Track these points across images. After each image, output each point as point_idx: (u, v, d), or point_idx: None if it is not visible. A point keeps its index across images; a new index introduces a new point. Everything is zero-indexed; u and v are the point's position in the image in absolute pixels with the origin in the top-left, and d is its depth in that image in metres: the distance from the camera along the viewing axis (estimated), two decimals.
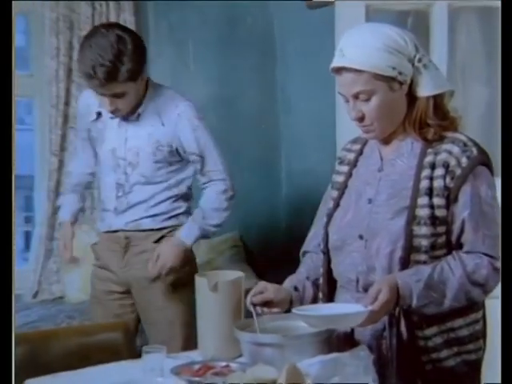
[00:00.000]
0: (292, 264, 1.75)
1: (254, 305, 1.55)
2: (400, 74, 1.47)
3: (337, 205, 1.61)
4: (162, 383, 1.40)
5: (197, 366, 1.52)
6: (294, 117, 3.86)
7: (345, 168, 1.65)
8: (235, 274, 1.81)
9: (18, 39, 4.72)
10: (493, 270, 1.45)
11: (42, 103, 3.36)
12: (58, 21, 3.26)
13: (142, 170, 2.23)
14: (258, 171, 3.91)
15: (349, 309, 1.43)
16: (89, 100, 2.29)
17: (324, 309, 1.49)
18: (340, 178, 1.64)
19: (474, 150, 1.49)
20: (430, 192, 1.48)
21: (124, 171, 2.24)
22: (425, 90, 1.50)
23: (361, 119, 1.50)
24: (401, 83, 1.48)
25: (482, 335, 1.55)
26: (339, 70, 1.49)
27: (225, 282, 1.71)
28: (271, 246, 3.87)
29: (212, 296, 1.70)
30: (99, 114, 2.27)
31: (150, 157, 2.22)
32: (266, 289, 1.57)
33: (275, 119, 3.92)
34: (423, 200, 1.48)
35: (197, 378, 1.43)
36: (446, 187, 1.47)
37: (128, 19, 3.43)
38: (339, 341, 1.53)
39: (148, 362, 1.48)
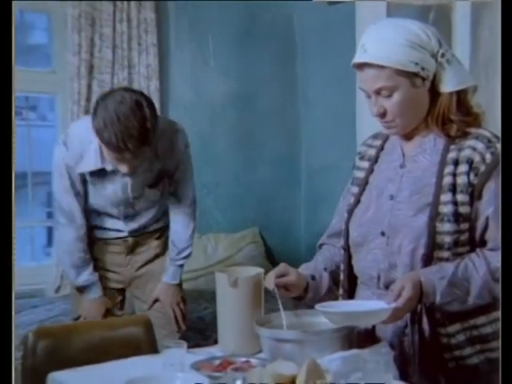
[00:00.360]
0: (311, 259, 1.75)
1: (278, 287, 1.54)
2: (423, 69, 1.46)
3: (358, 201, 1.60)
4: (182, 378, 1.40)
5: (217, 362, 1.52)
6: (314, 112, 3.85)
7: (365, 164, 1.64)
8: (255, 270, 1.81)
9: (40, 36, 4.78)
10: None
11: (63, 99, 3.39)
12: (79, 18, 3.29)
13: (147, 198, 2.36)
14: (278, 166, 3.91)
15: (372, 306, 1.43)
16: (79, 153, 2.24)
17: (346, 305, 1.48)
18: (361, 174, 1.63)
19: (499, 147, 1.46)
20: (453, 188, 1.46)
21: (130, 205, 2.35)
22: (448, 86, 1.48)
23: (382, 115, 1.49)
24: (423, 79, 1.47)
25: None
26: (361, 66, 1.47)
27: (245, 278, 1.72)
28: (290, 242, 3.87)
29: (232, 292, 1.70)
30: (101, 170, 2.27)
31: (153, 188, 2.35)
32: (288, 272, 1.57)
33: (295, 114, 3.92)
34: (446, 197, 1.46)
35: (217, 374, 1.44)
36: (470, 183, 1.46)
37: (149, 16, 3.45)
38: (360, 337, 1.53)
39: (168, 357, 1.48)
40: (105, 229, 2.40)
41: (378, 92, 1.47)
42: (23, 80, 3.15)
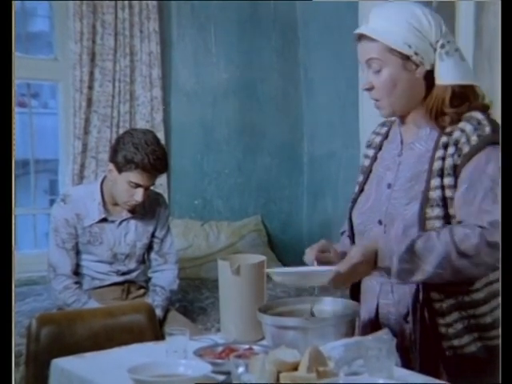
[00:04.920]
0: None
1: (317, 261, 1.52)
2: (416, 54, 1.46)
3: (361, 189, 1.61)
4: (185, 365, 1.41)
5: (220, 349, 1.53)
6: (317, 100, 3.84)
7: (371, 152, 1.64)
8: (257, 257, 1.81)
9: (42, 24, 4.77)
10: (485, 244, 1.37)
11: (66, 87, 3.38)
12: (81, 5, 3.27)
13: (138, 257, 2.63)
14: (280, 154, 3.91)
15: (317, 269, 1.47)
16: (78, 209, 2.51)
17: (296, 269, 1.51)
18: (366, 162, 1.64)
19: (487, 129, 1.44)
20: (441, 173, 1.45)
21: (122, 263, 2.60)
22: (443, 78, 1.47)
23: (369, 90, 1.51)
24: (417, 65, 1.47)
25: None
26: (360, 38, 1.50)
27: (247, 266, 1.72)
28: (292, 230, 3.88)
29: (234, 279, 1.70)
30: (103, 220, 2.53)
31: (144, 246, 2.62)
32: (329, 249, 1.55)
33: (297, 102, 3.91)
34: (436, 181, 1.46)
35: (219, 361, 1.44)
36: (455, 165, 1.44)
37: (150, 3, 3.44)
38: (363, 324, 1.53)
39: (171, 343, 1.49)
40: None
41: (368, 65, 1.49)
42: (25, 67, 3.16)
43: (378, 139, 1.64)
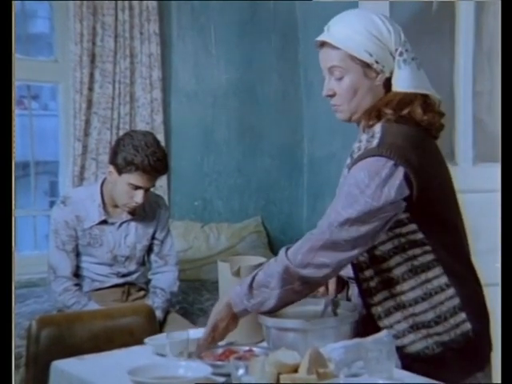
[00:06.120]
0: None
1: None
2: (377, 62, 1.48)
3: None
4: (185, 367, 1.41)
5: (220, 351, 1.53)
6: (317, 101, 3.84)
7: (349, 160, 1.66)
8: (257, 259, 1.81)
9: (42, 25, 4.77)
10: (320, 246, 1.41)
11: (66, 89, 3.39)
12: (81, 7, 3.27)
13: (138, 259, 2.63)
14: (280, 156, 3.91)
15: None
16: (78, 211, 2.51)
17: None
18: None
19: (375, 142, 1.44)
20: None
21: (122, 265, 2.60)
22: (399, 86, 1.49)
23: (331, 96, 1.54)
24: (377, 72, 1.49)
25: (450, 315, 1.48)
26: (322, 45, 1.52)
27: (247, 267, 1.72)
28: (293, 232, 3.87)
29: (235, 281, 1.70)
30: (103, 222, 2.53)
31: (144, 248, 2.62)
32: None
33: (297, 103, 3.91)
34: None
35: (220, 362, 1.44)
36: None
37: (151, 5, 3.44)
38: (362, 326, 1.53)
39: (172, 345, 1.49)
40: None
41: (331, 72, 1.52)
42: (25, 69, 3.16)
43: (355, 145, 1.66)
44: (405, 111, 1.48)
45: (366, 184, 1.39)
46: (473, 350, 1.50)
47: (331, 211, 1.43)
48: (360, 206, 1.39)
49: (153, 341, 1.63)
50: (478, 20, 2.95)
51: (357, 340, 1.39)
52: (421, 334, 1.47)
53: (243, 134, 3.82)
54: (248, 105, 3.82)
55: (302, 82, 3.89)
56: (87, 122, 3.32)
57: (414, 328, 1.47)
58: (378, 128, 1.48)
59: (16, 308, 2.61)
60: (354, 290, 1.58)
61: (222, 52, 3.73)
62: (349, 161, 1.51)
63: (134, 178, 2.41)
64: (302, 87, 3.89)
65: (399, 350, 1.45)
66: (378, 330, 1.46)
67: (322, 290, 1.59)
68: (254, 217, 3.80)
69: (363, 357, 1.31)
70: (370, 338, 1.37)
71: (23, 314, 2.68)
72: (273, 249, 3.76)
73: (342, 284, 1.63)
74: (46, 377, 1.61)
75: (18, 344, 2.20)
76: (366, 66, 1.48)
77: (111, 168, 2.46)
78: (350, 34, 1.48)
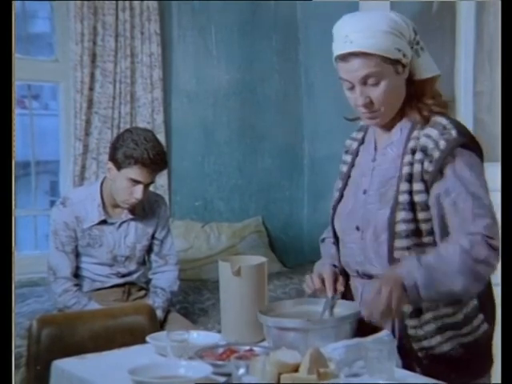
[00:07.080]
0: (314, 249, 1.75)
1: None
2: (404, 56, 1.47)
3: (341, 195, 1.62)
4: (186, 366, 1.41)
5: (220, 350, 1.53)
6: (318, 101, 3.84)
7: (348, 158, 1.66)
8: (258, 258, 1.81)
9: (42, 25, 4.77)
10: (489, 247, 1.39)
11: (66, 88, 3.39)
12: (82, 6, 3.27)
13: (138, 259, 2.63)
14: (280, 156, 3.91)
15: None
16: (78, 212, 2.51)
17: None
18: (344, 168, 1.65)
19: (453, 133, 1.45)
20: (410, 178, 1.47)
21: (122, 265, 2.60)
22: (424, 73, 1.50)
23: (368, 105, 1.49)
24: (404, 66, 1.48)
25: (474, 315, 1.50)
26: (346, 57, 1.47)
27: (248, 267, 1.72)
28: (293, 232, 3.88)
29: (235, 280, 1.70)
30: (103, 222, 2.53)
31: (144, 248, 2.62)
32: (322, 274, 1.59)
33: (298, 104, 3.91)
34: (404, 186, 1.47)
35: (220, 362, 1.44)
36: (425, 171, 1.46)
37: (151, 4, 3.44)
38: (363, 326, 1.53)
39: (173, 347, 1.49)
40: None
41: (364, 81, 1.47)
42: (26, 69, 3.16)
43: (354, 145, 1.66)
44: (442, 98, 1.50)
45: (475, 177, 1.45)
46: (489, 349, 1.52)
47: (464, 216, 1.42)
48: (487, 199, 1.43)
49: (154, 339, 1.63)
50: (479, 20, 2.95)
51: (357, 340, 1.39)
52: (447, 335, 1.48)
53: (244, 134, 3.82)
54: (249, 105, 3.81)
55: (302, 82, 3.88)
56: (88, 122, 3.32)
57: (443, 329, 1.47)
58: (443, 120, 1.48)
59: (16, 308, 2.61)
60: (364, 288, 1.55)
61: (223, 52, 3.73)
62: (419, 157, 1.46)
63: (134, 172, 2.40)
64: (302, 87, 3.89)
65: (425, 350, 1.46)
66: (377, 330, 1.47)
67: (318, 286, 1.57)
68: (254, 217, 3.80)
69: (364, 356, 1.31)
70: (370, 338, 1.37)
71: (24, 314, 2.68)
72: (273, 248, 3.76)
73: (344, 279, 1.61)
74: (47, 376, 1.61)
75: (18, 344, 2.21)
76: (395, 62, 1.46)
77: (110, 164, 2.45)
78: (377, 36, 1.44)
